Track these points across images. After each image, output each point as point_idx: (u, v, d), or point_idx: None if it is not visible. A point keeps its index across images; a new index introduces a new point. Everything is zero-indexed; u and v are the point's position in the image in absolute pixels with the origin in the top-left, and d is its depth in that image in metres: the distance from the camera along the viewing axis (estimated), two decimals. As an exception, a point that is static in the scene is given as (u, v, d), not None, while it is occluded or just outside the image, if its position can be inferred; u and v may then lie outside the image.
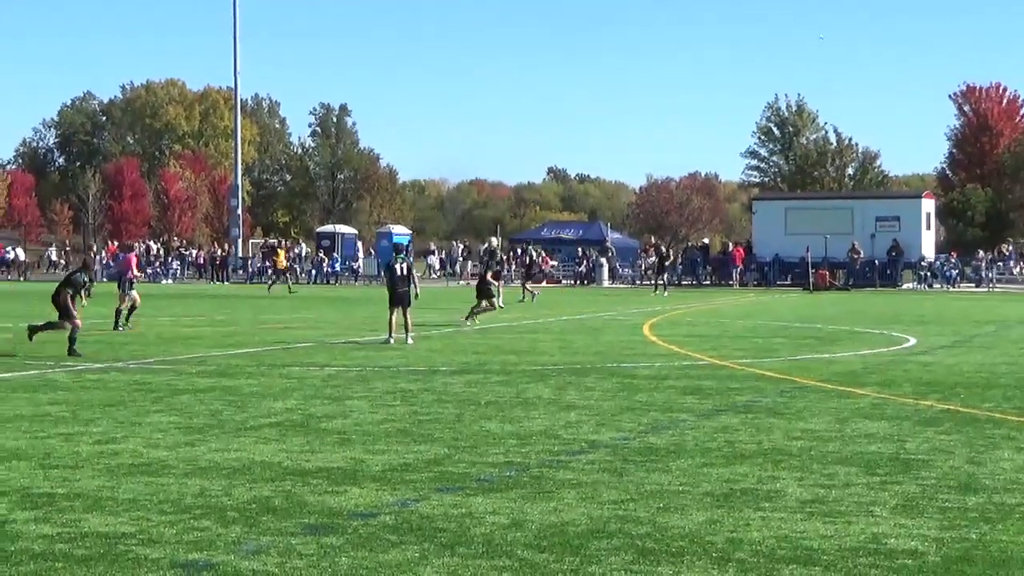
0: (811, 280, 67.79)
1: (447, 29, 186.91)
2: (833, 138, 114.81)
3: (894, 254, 72.39)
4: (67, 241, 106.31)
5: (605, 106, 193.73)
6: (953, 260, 76.51)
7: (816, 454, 13.58)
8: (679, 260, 79.33)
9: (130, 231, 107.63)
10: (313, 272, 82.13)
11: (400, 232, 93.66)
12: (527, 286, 52.20)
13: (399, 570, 8.85)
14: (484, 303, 35.57)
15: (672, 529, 10.10)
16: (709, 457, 13.38)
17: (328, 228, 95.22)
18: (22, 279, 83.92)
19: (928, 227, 76.04)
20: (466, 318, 35.09)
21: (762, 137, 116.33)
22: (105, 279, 61.23)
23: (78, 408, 17.44)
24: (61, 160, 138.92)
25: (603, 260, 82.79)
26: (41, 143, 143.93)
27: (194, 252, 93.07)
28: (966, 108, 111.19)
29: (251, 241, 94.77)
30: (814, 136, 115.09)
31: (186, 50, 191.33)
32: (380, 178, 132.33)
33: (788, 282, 72.05)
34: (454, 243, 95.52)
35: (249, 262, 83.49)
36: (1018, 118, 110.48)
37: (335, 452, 13.74)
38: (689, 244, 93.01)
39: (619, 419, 16.40)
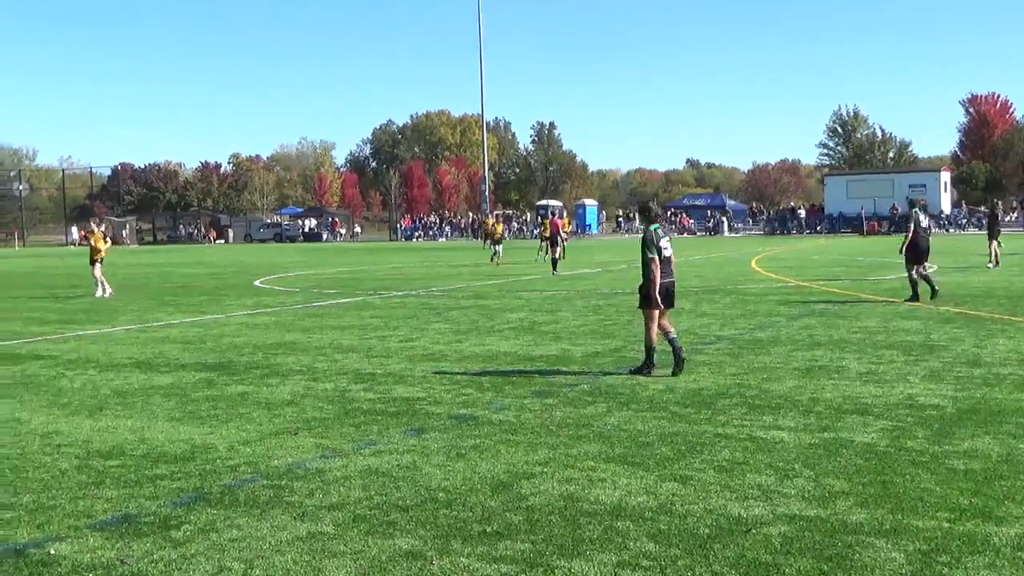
0: (864, 228, 65.82)
1: (618, 65, 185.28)
2: (879, 133, 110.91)
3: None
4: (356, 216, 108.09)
5: (724, 111, 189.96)
6: (962, 210, 73.62)
7: (869, 342, 13.18)
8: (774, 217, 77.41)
9: (418, 208, 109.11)
10: (535, 232, 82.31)
11: (590, 203, 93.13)
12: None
13: (594, 419, 8.88)
14: None
15: (772, 392, 9.92)
16: (796, 345, 13.10)
17: (543, 202, 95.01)
18: (351, 239, 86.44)
19: (945, 190, 74.00)
20: None
21: (830, 133, 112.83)
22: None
23: (388, 319, 17.87)
24: (374, 164, 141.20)
25: (724, 219, 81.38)
26: (361, 153, 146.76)
27: (458, 220, 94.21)
28: (971, 109, 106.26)
29: (494, 212, 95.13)
30: (866, 132, 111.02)
31: (451, 89, 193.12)
32: (576, 169, 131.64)
33: (848, 230, 70.05)
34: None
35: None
36: (1007, 115, 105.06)
37: (551, 345, 13.81)
38: (781, 207, 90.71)
39: (736, 321, 16.17)
